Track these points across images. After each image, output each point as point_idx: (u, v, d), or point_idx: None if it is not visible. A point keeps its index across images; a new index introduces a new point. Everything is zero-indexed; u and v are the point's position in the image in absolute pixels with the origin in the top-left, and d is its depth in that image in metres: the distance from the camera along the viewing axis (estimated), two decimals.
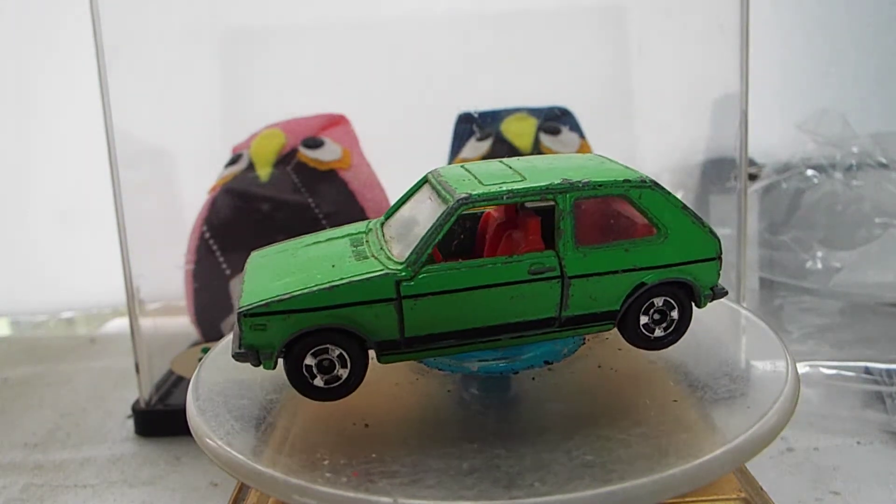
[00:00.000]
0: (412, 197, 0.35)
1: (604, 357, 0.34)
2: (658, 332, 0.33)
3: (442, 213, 0.30)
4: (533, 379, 0.32)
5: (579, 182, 0.31)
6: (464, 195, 0.30)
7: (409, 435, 0.28)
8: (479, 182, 0.31)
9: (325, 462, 0.26)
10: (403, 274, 0.29)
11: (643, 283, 0.31)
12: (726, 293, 0.33)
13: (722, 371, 0.32)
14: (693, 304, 0.33)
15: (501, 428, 0.28)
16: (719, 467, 0.25)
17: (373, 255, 0.31)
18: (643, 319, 0.32)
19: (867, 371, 0.51)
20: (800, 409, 0.29)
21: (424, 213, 0.32)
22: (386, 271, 0.29)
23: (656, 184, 0.32)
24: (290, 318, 0.29)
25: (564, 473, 0.25)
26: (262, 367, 0.29)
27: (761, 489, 0.33)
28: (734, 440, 0.26)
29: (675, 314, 0.33)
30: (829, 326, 0.58)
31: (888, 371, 0.50)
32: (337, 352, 0.29)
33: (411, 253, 0.30)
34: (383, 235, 0.33)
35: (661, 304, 0.32)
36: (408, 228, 0.32)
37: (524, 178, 0.32)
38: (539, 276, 0.30)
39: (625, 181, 0.31)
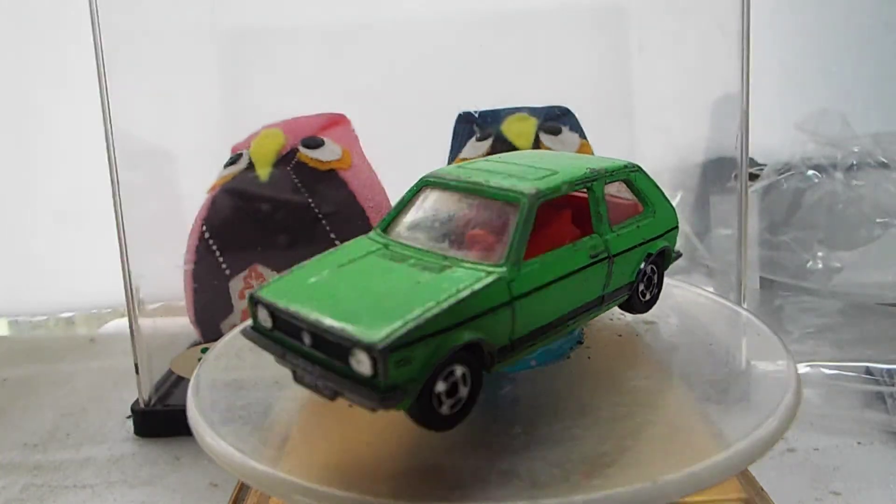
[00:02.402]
0: (412, 203, 0.33)
1: (602, 359, 0.34)
2: (647, 296, 0.36)
3: (523, 210, 0.30)
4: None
5: (602, 170, 0.34)
6: (534, 190, 0.30)
7: (410, 434, 0.28)
8: (517, 177, 0.31)
9: (326, 462, 0.26)
10: (510, 275, 0.28)
11: (650, 254, 0.35)
12: (681, 255, 0.39)
13: (724, 375, 0.32)
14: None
15: (502, 430, 0.28)
16: (721, 472, 0.25)
17: (444, 264, 0.29)
18: (641, 286, 0.35)
19: (868, 371, 0.51)
20: (800, 410, 0.29)
21: (468, 214, 0.31)
22: (497, 275, 0.28)
23: (641, 167, 0.36)
24: (434, 341, 0.25)
25: (562, 477, 0.25)
26: (396, 408, 0.25)
27: (761, 489, 0.33)
28: (735, 445, 0.26)
29: (655, 278, 0.36)
30: (830, 326, 0.58)
31: (889, 371, 0.50)
32: (461, 371, 0.27)
33: (509, 253, 0.29)
34: (420, 244, 0.31)
35: (649, 270, 0.36)
36: (452, 232, 0.30)
37: (556, 172, 0.32)
38: (596, 259, 0.32)
39: (625, 167, 0.35)
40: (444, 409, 0.26)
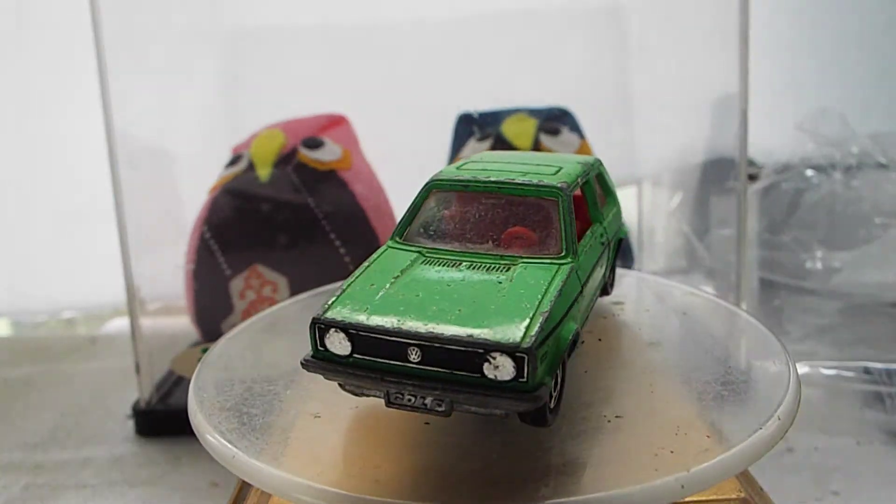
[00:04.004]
0: (424, 208, 0.32)
1: (600, 359, 0.34)
2: (611, 279, 0.39)
3: (564, 203, 0.30)
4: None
5: (589, 164, 0.35)
6: (564, 184, 0.31)
7: (411, 433, 0.28)
8: (533, 174, 0.32)
9: (327, 460, 0.26)
10: (576, 264, 0.29)
11: (621, 239, 0.39)
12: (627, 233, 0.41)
13: (723, 375, 0.32)
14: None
15: (503, 430, 0.28)
16: (721, 472, 0.25)
17: (505, 263, 0.28)
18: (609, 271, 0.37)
19: (867, 371, 0.51)
20: (800, 410, 0.29)
21: (499, 213, 0.31)
22: (568, 265, 0.28)
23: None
24: (555, 335, 0.25)
25: (561, 477, 0.25)
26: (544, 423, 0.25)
27: (761, 489, 0.33)
28: (735, 445, 0.26)
29: (615, 262, 0.39)
30: (829, 326, 0.58)
31: (888, 371, 0.50)
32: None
33: (567, 245, 0.29)
34: (460, 248, 0.30)
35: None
36: (488, 232, 0.30)
37: (558, 168, 0.33)
38: (604, 246, 0.34)
39: (595, 161, 0.37)
40: (552, 403, 0.26)
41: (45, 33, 0.75)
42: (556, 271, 0.28)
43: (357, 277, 0.28)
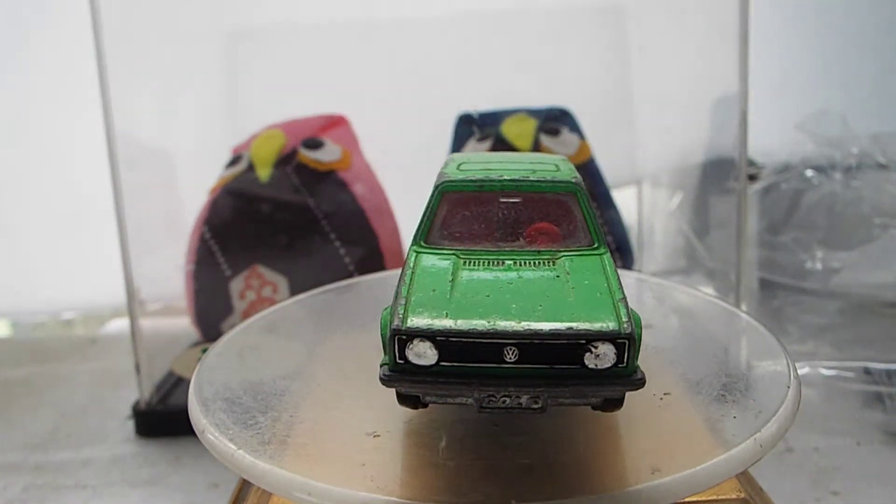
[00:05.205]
0: (440, 211, 0.31)
1: None
2: None
3: (583, 195, 0.31)
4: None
5: (561, 159, 0.35)
6: (576, 178, 0.31)
7: (412, 433, 0.28)
8: (536, 171, 0.32)
9: (328, 459, 0.26)
10: (608, 254, 0.29)
11: None
12: None
13: (723, 376, 0.32)
14: None
15: (502, 431, 0.28)
16: (721, 472, 0.25)
17: (547, 258, 0.29)
18: None
19: (867, 371, 0.51)
20: (800, 410, 0.29)
21: (520, 210, 0.31)
22: (604, 254, 0.29)
23: None
24: (633, 318, 0.25)
25: (561, 477, 0.25)
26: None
27: (761, 489, 0.33)
28: (735, 447, 0.26)
29: None
30: (829, 327, 0.58)
31: (888, 371, 0.50)
32: None
33: (596, 236, 0.30)
34: (494, 247, 0.30)
35: None
36: (514, 229, 0.31)
37: (553, 164, 0.33)
38: None
39: (559, 157, 0.36)
40: None
41: (45, 33, 0.75)
42: (600, 261, 0.28)
43: (412, 285, 0.27)
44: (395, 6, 0.68)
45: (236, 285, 0.56)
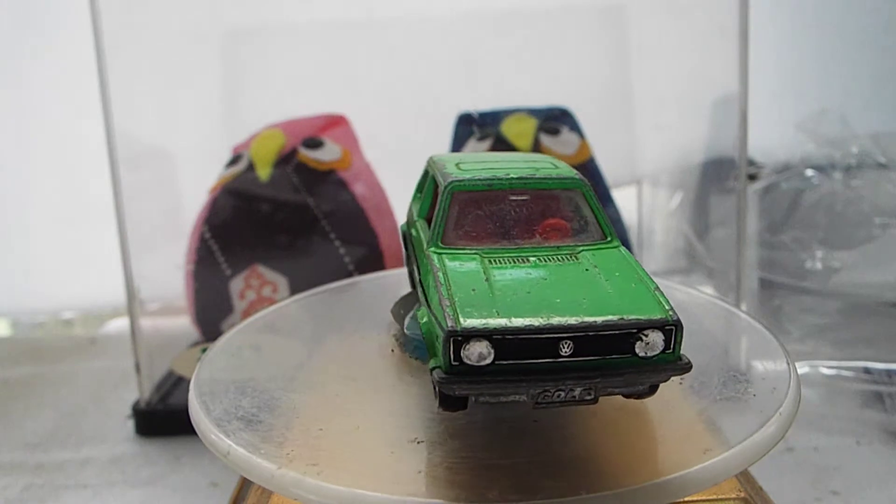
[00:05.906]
0: (452, 212, 0.31)
1: None
2: None
3: (589, 191, 0.31)
4: None
5: (553, 158, 0.35)
6: (580, 175, 0.32)
7: (414, 432, 0.28)
8: (540, 168, 0.32)
9: (329, 459, 0.26)
10: (624, 248, 0.30)
11: None
12: None
13: (723, 376, 0.32)
14: None
15: (502, 430, 0.28)
16: (721, 472, 0.25)
17: (568, 253, 0.29)
18: None
19: (867, 371, 0.51)
20: (799, 409, 0.29)
21: (531, 208, 0.31)
22: (620, 246, 0.30)
23: None
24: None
25: (561, 477, 0.25)
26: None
27: (761, 489, 0.33)
28: (735, 447, 0.26)
29: None
30: (829, 326, 0.58)
31: (888, 371, 0.50)
32: None
33: (607, 230, 0.31)
34: (512, 245, 0.30)
35: None
36: (529, 226, 0.31)
37: (552, 163, 0.34)
38: None
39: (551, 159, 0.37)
40: None
41: (45, 33, 0.75)
42: (619, 253, 0.29)
43: (451, 286, 0.26)
44: (395, 6, 0.68)
45: (236, 285, 0.56)
